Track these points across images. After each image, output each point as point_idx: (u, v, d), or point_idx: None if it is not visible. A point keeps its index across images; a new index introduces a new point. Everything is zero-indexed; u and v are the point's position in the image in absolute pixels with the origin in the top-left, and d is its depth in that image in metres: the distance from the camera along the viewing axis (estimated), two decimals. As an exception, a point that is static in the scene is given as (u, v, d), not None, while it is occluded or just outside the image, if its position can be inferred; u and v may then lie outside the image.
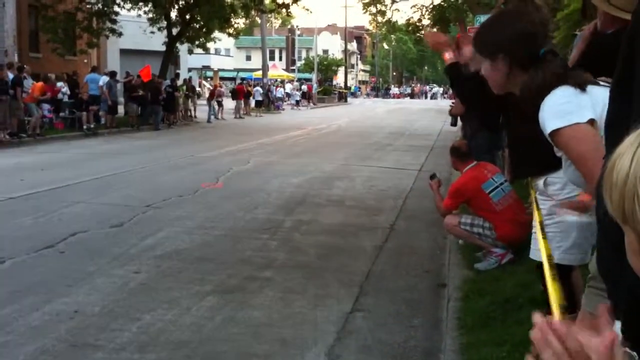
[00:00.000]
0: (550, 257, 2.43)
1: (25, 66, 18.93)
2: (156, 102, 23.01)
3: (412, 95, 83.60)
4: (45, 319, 4.60)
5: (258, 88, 36.77)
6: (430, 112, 37.01)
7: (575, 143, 2.28)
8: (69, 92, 20.82)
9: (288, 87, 48.40)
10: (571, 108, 2.30)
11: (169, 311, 4.78)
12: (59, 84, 20.63)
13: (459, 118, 9.33)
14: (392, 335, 4.44)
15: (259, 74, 45.50)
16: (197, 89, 33.13)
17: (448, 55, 3.23)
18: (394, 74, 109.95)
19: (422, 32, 34.04)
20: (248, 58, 74.52)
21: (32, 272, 5.71)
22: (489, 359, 3.51)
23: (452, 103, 10.08)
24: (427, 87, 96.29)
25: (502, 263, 5.49)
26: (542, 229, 2.77)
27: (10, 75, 17.09)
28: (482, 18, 17.38)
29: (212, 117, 28.04)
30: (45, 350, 4.06)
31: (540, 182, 3.04)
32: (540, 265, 3.05)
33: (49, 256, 6.25)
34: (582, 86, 2.36)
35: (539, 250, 2.92)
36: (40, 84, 18.44)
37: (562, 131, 2.27)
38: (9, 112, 16.73)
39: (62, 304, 4.90)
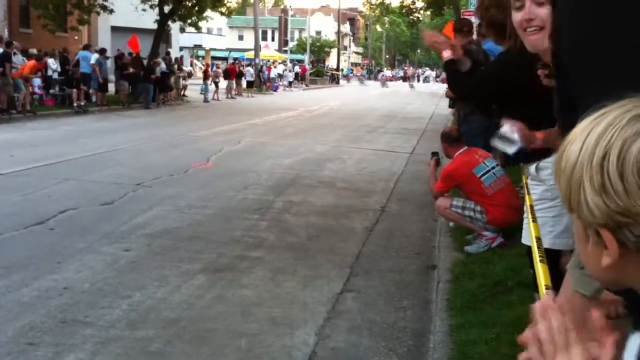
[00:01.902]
0: (538, 240, 2.45)
1: (14, 42, 18.74)
2: (148, 80, 22.85)
3: (404, 79, 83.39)
4: (34, 295, 4.58)
5: (249, 68, 36.59)
6: (422, 96, 36.97)
7: None
8: (59, 69, 20.61)
9: (280, 67, 48.14)
10: None
11: (158, 289, 4.77)
12: (50, 60, 20.41)
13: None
14: (381, 316, 4.46)
15: (251, 54, 45.20)
16: (189, 68, 32.86)
17: (446, 54, 3.30)
18: (387, 56, 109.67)
19: (416, 14, 33.95)
20: (240, 38, 74.01)
21: (22, 248, 5.68)
22: (478, 340, 3.53)
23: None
24: (420, 70, 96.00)
25: (492, 246, 5.51)
26: (532, 212, 2.78)
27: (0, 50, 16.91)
28: (475, 1, 17.32)
29: (207, 97, 27.90)
30: (34, 326, 4.04)
31: (532, 167, 3.03)
32: (529, 250, 3.07)
33: (39, 233, 6.22)
34: None
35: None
36: (32, 62, 18.24)
37: None
38: (-2, 87, 16.58)
39: (51, 280, 4.89)
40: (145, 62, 24.17)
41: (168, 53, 27.48)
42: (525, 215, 3.08)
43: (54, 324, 4.10)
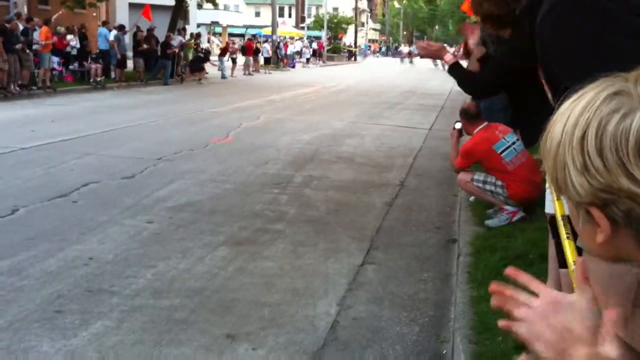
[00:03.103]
0: (564, 217, 2.45)
1: (34, 18, 18.79)
2: (165, 56, 22.88)
3: (422, 55, 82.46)
4: (60, 265, 4.66)
5: (266, 45, 36.46)
6: (439, 72, 36.63)
7: None
8: (78, 45, 20.68)
9: (298, 44, 47.91)
10: None
11: (182, 260, 4.84)
12: (69, 36, 20.48)
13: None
14: (402, 287, 4.49)
15: (268, 30, 45.02)
16: (206, 44, 32.81)
17: (448, 58, 3.30)
18: (405, 33, 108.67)
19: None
20: (257, 14, 73.67)
21: (46, 220, 5.77)
22: (499, 311, 3.54)
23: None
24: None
25: (512, 221, 5.51)
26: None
27: (20, 27, 16.99)
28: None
29: (223, 73, 27.88)
30: (62, 295, 4.12)
31: None
32: (553, 219, 3.07)
33: (62, 205, 6.31)
34: None
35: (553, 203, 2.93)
36: (44, 28, 18.18)
37: None
38: (19, 63, 16.67)
39: (76, 251, 4.97)
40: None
41: (184, 29, 27.38)
42: (547, 185, 3.08)
43: (81, 292, 4.18)
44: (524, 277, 0.95)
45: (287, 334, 3.72)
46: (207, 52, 28.46)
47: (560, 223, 2.39)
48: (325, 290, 4.38)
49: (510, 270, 0.96)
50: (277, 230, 5.73)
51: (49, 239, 5.22)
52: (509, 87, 3.28)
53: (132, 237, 5.38)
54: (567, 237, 2.26)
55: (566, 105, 0.88)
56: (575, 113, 0.85)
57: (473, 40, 3.46)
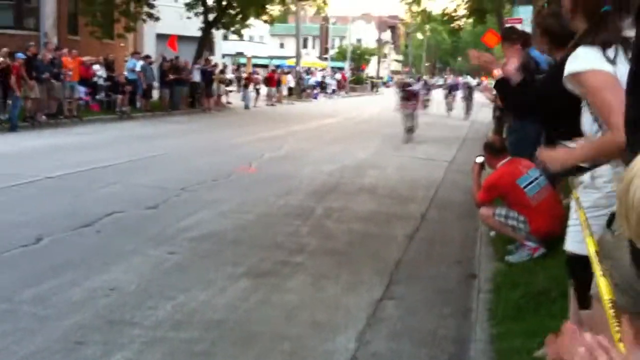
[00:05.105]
0: (598, 254, 2.43)
1: (64, 49, 19.20)
2: (181, 82, 23.37)
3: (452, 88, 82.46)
4: (83, 295, 4.71)
5: (290, 76, 36.80)
6: (461, 103, 36.56)
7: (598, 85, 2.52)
8: (105, 75, 21.09)
9: (319, 75, 48.24)
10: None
11: (203, 291, 4.87)
12: (95, 66, 20.89)
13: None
14: (422, 323, 4.47)
15: (291, 61, 45.48)
16: (231, 75, 33.20)
17: (497, 72, 3.29)
18: (427, 64, 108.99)
19: (457, 22, 33.71)
20: (281, 45, 74.49)
21: (71, 250, 5.84)
22: (521, 349, 3.52)
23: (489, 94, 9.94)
24: (460, 78, 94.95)
25: (534, 256, 5.47)
26: (588, 226, 2.74)
27: (49, 57, 17.37)
28: (522, 10, 17.08)
29: (248, 103, 28.16)
30: (83, 325, 4.16)
31: (586, 176, 3.00)
32: (570, 259, 3.04)
33: (87, 235, 6.39)
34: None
35: (576, 242, 2.91)
36: (68, 58, 18.49)
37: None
38: (47, 93, 17.02)
39: (99, 281, 5.02)
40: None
41: (208, 60, 27.78)
42: (571, 222, 3.05)
43: (102, 323, 4.22)
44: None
45: (307, 368, 3.72)
46: (229, 82, 28.93)
47: (595, 260, 2.37)
48: (345, 324, 4.38)
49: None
50: (298, 263, 5.74)
51: (73, 269, 5.29)
52: (550, 111, 3.26)
53: (154, 267, 5.43)
54: (603, 275, 2.24)
55: None
56: None
57: (513, 65, 3.46)
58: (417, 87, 18.21)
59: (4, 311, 4.34)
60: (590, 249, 2.46)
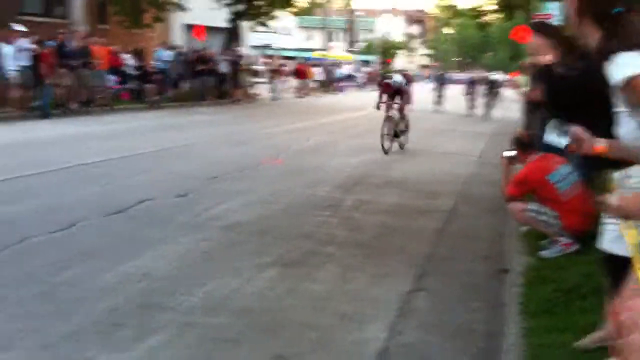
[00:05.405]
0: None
1: (94, 37, 19.42)
2: (208, 73, 23.48)
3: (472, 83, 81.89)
4: (116, 280, 4.78)
5: (318, 68, 36.82)
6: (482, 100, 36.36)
7: None
8: (135, 64, 21.28)
9: (345, 68, 48.13)
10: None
11: (232, 279, 4.91)
12: (125, 55, 21.09)
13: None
14: (452, 316, 4.47)
15: (318, 53, 45.47)
16: (262, 67, 33.32)
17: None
18: (456, 59, 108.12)
19: (485, 17, 33.41)
20: (309, 38, 74.48)
21: (103, 236, 5.93)
22: (553, 344, 3.50)
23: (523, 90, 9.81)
24: (479, 72, 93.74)
25: (566, 252, 5.42)
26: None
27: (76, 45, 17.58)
28: (551, 5, 16.84)
29: (275, 95, 28.26)
30: (116, 309, 4.23)
31: (618, 174, 2.97)
32: (605, 258, 3.02)
33: (118, 221, 6.48)
34: None
35: (611, 241, 2.88)
36: (96, 46, 18.69)
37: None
38: (77, 81, 17.23)
39: (131, 267, 5.09)
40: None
41: (234, 51, 27.85)
42: (604, 220, 3.02)
43: (135, 307, 4.28)
44: None
45: (337, 357, 3.74)
46: (256, 73, 29.04)
47: (638, 254, 2.34)
48: (374, 315, 4.38)
49: None
50: (326, 253, 5.76)
51: (106, 254, 5.37)
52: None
53: (184, 254, 5.49)
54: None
55: None
56: None
57: (548, 58, 3.39)
58: (398, 80, 13.96)
59: (41, 293, 4.44)
60: (630, 242, 2.44)
